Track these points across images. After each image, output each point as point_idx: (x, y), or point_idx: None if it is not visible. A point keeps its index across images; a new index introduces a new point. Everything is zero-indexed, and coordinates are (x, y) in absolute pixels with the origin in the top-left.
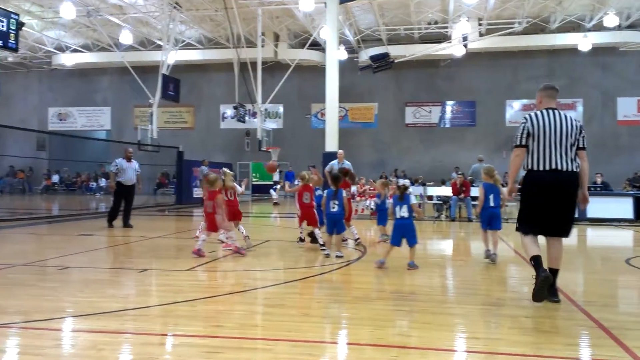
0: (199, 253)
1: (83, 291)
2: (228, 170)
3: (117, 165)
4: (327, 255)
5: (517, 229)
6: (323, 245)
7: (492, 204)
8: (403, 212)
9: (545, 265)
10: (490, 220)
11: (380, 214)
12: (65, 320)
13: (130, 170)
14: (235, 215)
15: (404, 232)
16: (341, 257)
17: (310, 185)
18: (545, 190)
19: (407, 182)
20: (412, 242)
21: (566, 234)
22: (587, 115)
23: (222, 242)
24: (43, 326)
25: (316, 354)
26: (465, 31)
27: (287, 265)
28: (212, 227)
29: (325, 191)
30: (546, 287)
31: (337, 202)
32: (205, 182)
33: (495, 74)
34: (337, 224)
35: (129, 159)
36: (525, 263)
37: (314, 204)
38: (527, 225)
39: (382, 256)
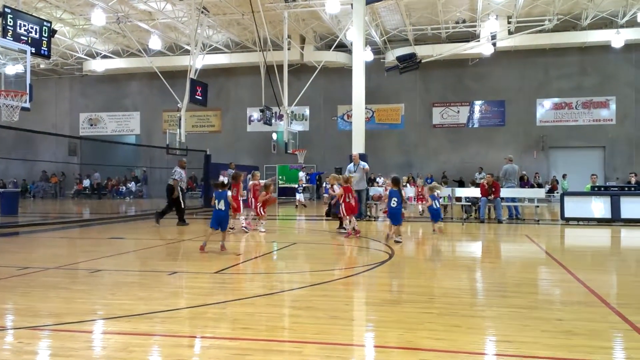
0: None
1: (114, 294)
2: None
3: (180, 175)
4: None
5: None
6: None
7: None
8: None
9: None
10: None
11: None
12: (96, 323)
13: (185, 177)
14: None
15: None
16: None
17: None
18: None
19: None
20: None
21: None
22: (620, 113)
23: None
24: (75, 328)
25: (344, 357)
26: (494, 29)
27: (314, 268)
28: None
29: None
30: None
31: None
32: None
33: (525, 72)
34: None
35: (183, 167)
36: (557, 264)
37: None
38: None
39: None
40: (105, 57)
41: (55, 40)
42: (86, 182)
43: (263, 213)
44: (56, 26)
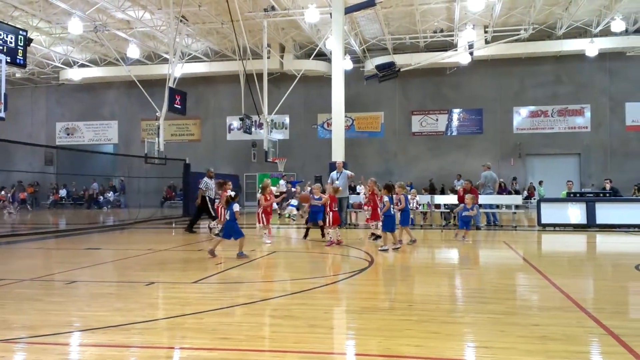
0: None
1: (90, 305)
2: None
3: (207, 185)
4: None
5: None
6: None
7: None
8: None
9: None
10: None
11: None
12: (71, 335)
13: (212, 187)
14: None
15: None
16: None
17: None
18: None
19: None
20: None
21: None
22: (595, 121)
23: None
24: (50, 341)
25: None
26: (471, 39)
27: (293, 276)
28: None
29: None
30: None
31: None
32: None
33: (502, 81)
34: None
35: (210, 177)
36: (534, 271)
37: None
38: None
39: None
40: (82, 65)
41: (31, 49)
42: (62, 192)
43: (265, 222)
44: (32, 35)
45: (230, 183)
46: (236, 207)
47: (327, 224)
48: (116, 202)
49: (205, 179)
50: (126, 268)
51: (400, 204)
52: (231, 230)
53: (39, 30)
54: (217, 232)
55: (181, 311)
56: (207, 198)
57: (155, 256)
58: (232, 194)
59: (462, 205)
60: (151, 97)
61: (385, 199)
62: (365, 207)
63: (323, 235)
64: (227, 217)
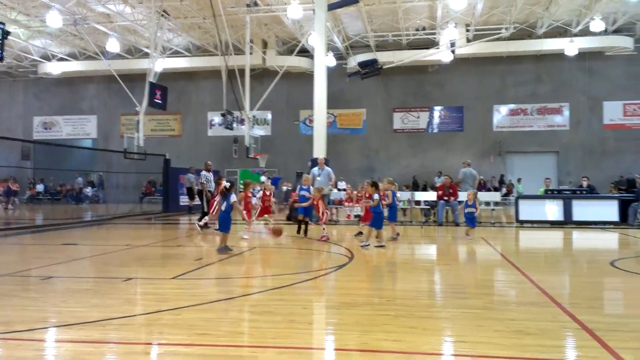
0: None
1: (66, 301)
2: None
3: (206, 178)
4: None
5: None
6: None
7: None
8: None
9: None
10: None
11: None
12: (47, 331)
13: (212, 180)
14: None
15: None
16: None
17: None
18: None
19: None
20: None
21: None
22: (573, 119)
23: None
24: (25, 337)
25: None
26: (453, 37)
27: (273, 272)
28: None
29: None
30: None
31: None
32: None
33: (483, 79)
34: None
35: (208, 170)
36: (512, 267)
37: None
38: None
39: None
40: (61, 59)
41: (9, 42)
42: (40, 187)
43: (247, 217)
44: (10, 28)
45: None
46: (233, 198)
47: (322, 220)
48: (94, 198)
49: (204, 172)
50: (104, 264)
51: (388, 199)
52: (222, 221)
53: (17, 23)
54: (215, 227)
55: (159, 307)
56: (206, 192)
57: (133, 252)
58: (228, 184)
59: (463, 202)
60: (131, 92)
61: (375, 196)
62: (347, 204)
63: (299, 231)
64: (223, 208)
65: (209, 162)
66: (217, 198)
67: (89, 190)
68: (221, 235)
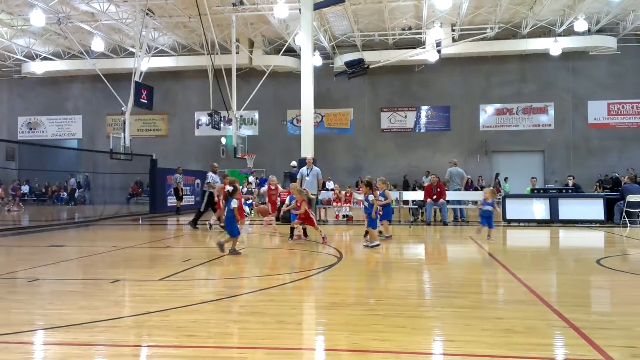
0: None
1: (53, 303)
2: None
3: (214, 179)
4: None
5: None
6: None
7: None
8: None
9: None
10: None
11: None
12: (34, 333)
13: (219, 181)
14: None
15: None
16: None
17: None
18: None
19: None
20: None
21: None
22: (558, 118)
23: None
24: (11, 340)
25: None
26: (438, 37)
27: (261, 273)
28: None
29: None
30: None
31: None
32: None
33: (469, 79)
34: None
35: (215, 172)
36: (499, 265)
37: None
38: None
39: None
40: (45, 58)
41: None
42: (25, 188)
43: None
44: None
45: (229, 177)
46: (234, 204)
47: (315, 223)
48: (80, 199)
49: (210, 173)
50: (90, 265)
51: (387, 198)
52: (232, 226)
53: (0, 22)
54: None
55: (146, 309)
56: (216, 193)
57: (120, 253)
58: (230, 188)
59: (481, 200)
60: (117, 92)
61: (371, 196)
62: (335, 204)
63: (292, 236)
64: (225, 213)
65: (215, 164)
66: (222, 201)
67: (75, 192)
68: (231, 240)
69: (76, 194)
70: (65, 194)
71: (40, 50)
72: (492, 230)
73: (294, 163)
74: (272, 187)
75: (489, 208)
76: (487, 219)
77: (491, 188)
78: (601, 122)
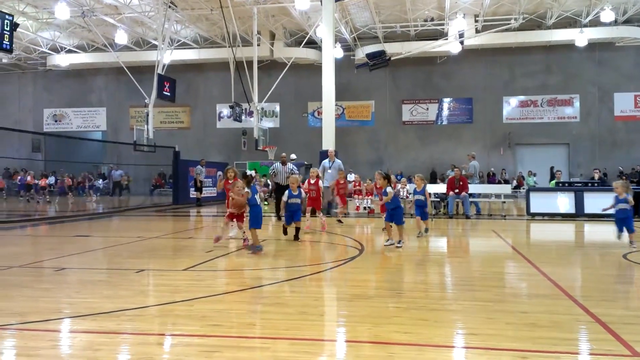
0: None
1: (80, 292)
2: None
3: (274, 169)
4: None
5: None
6: None
7: None
8: None
9: None
10: None
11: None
12: (61, 322)
13: (283, 173)
14: None
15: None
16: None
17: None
18: None
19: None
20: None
21: None
22: (584, 111)
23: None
24: (39, 327)
25: (315, 352)
26: (461, 28)
27: (284, 264)
28: None
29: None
30: None
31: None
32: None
33: (492, 70)
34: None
35: (284, 163)
36: (523, 259)
37: None
38: None
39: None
40: (69, 51)
41: (17, 34)
42: (51, 180)
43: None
44: (19, 20)
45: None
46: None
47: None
48: (105, 190)
49: (277, 164)
50: (116, 255)
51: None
52: (256, 217)
53: (26, 15)
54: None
55: (171, 298)
56: (277, 184)
57: (145, 243)
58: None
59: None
60: (140, 84)
61: (389, 189)
62: (356, 196)
63: (297, 237)
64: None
65: (284, 154)
66: (231, 193)
67: (99, 183)
68: (251, 232)
69: (100, 185)
70: (101, 183)
71: (64, 43)
72: (634, 235)
73: (293, 156)
74: (312, 182)
75: (625, 206)
76: (623, 220)
77: (622, 181)
78: (628, 114)
